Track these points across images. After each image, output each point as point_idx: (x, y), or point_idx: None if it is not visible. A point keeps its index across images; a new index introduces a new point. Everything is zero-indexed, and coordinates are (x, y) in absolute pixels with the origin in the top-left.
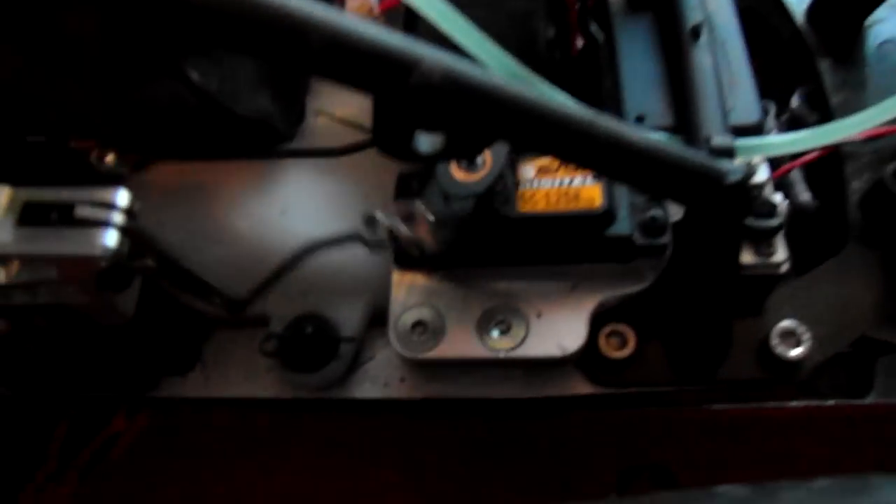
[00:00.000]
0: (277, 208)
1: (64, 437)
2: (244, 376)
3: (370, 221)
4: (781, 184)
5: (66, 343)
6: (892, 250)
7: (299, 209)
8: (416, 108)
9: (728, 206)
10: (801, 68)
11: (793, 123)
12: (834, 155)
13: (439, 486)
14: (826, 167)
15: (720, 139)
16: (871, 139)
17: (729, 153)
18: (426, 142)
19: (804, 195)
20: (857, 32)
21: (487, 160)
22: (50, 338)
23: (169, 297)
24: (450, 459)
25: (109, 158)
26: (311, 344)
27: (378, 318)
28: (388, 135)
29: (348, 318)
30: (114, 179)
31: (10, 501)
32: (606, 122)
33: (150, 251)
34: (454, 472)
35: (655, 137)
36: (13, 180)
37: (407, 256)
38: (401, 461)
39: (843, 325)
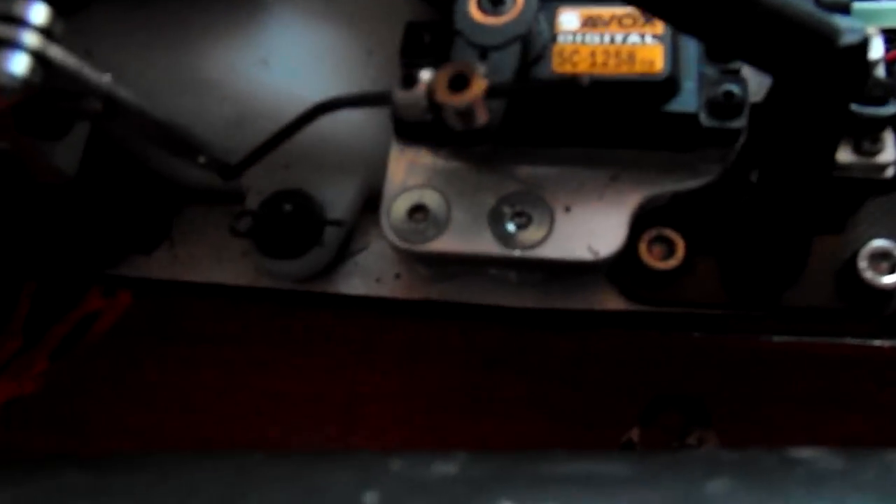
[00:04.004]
0: (257, 57)
1: (28, 310)
2: (217, 259)
3: (408, 80)
4: (889, 71)
5: (8, 201)
6: None
7: (284, 60)
8: None
9: (838, 76)
10: None
11: None
12: None
13: (439, 396)
14: None
15: None
16: None
17: (844, 8)
18: None
19: None
20: None
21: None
22: None
23: (130, 156)
24: (452, 367)
25: None
26: (290, 225)
27: (375, 201)
28: None
29: (338, 198)
30: None
31: None
32: None
33: (86, 88)
34: (456, 382)
35: None
36: None
37: (410, 126)
38: (399, 363)
39: None
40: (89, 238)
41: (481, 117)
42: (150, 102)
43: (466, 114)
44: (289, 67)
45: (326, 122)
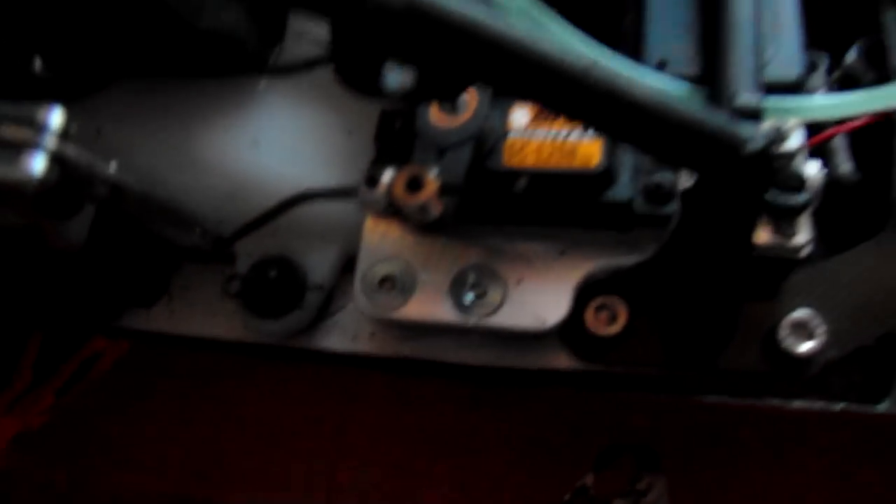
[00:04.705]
0: (249, 138)
1: (37, 352)
2: (209, 315)
3: (371, 181)
4: (822, 150)
5: (23, 262)
6: None
7: (272, 141)
8: (377, 37)
9: (745, 177)
10: (864, 17)
11: (846, 82)
12: (886, 122)
13: (424, 434)
14: (875, 135)
15: (746, 97)
16: None
17: (755, 114)
18: (395, 78)
19: (845, 166)
20: None
21: (472, 101)
22: (4, 256)
23: (133, 222)
24: (437, 406)
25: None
26: (274, 289)
27: (353, 263)
28: (350, 66)
29: (319, 264)
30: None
31: None
32: (606, 69)
33: (94, 179)
34: (441, 420)
35: (665, 92)
36: None
37: None
38: (385, 400)
39: (868, 319)
40: (94, 293)
41: (435, 212)
42: (152, 177)
43: (422, 209)
44: (276, 147)
45: None
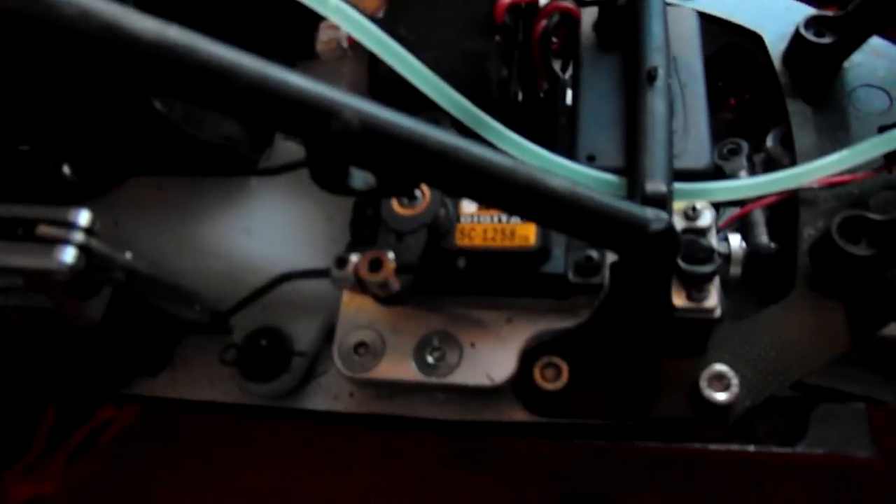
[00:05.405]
0: (241, 227)
1: (52, 421)
2: (209, 381)
3: (340, 263)
4: (744, 224)
5: (43, 338)
6: (836, 298)
7: (263, 229)
8: (342, 151)
9: (653, 252)
10: (777, 108)
11: (768, 164)
12: (792, 199)
13: (409, 491)
14: (785, 211)
15: (653, 185)
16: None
17: (661, 200)
18: (360, 178)
19: (761, 238)
20: (830, 77)
21: (426, 193)
22: (27, 333)
23: (143, 301)
24: (422, 464)
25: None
26: (265, 356)
27: (333, 333)
28: (322, 172)
29: (304, 333)
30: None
31: None
32: (527, 169)
33: (113, 266)
34: (424, 478)
35: (578, 186)
36: None
37: None
38: (374, 461)
39: (777, 371)
40: (106, 363)
41: (394, 287)
42: (160, 261)
43: (383, 286)
44: (266, 234)
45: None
